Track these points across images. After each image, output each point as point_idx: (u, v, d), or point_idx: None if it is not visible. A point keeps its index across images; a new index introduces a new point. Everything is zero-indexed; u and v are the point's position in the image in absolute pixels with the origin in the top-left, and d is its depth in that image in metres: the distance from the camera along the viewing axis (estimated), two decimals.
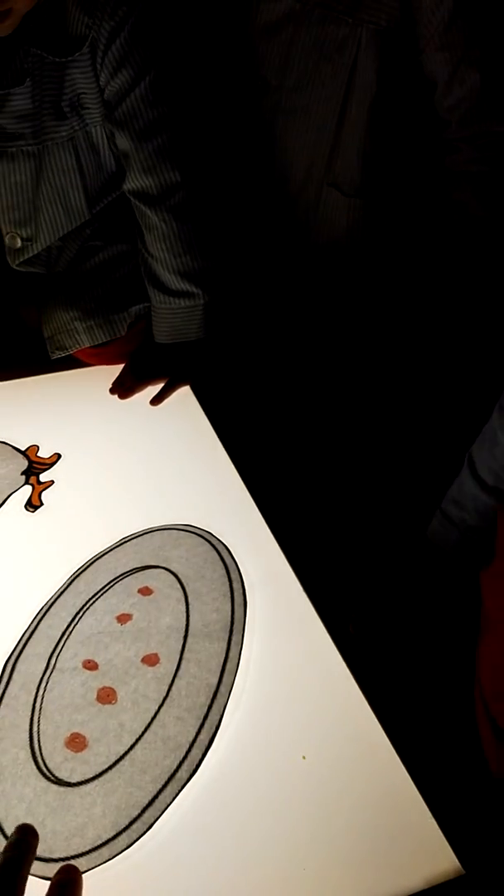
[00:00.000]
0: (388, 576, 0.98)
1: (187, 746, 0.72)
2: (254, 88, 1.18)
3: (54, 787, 0.69)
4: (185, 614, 0.82)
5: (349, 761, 0.70)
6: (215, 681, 0.77)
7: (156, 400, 1.17)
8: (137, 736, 0.73)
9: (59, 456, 1.06)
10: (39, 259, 1.16)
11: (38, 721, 0.74)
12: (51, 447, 1.07)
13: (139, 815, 0.67)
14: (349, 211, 1.23)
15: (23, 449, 1.07)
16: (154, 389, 1.18)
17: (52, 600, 0.85)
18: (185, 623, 0.82)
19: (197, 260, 1.12)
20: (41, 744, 0.72)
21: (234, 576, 0.87)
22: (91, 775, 0.70)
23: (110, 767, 0.70)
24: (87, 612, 0.83)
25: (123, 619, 0.82)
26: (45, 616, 0.83)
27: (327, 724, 0.73)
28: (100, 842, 0.66)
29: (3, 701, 0.76)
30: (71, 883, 0.52)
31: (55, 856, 0.65)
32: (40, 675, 0.78)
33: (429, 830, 0.66)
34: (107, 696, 0.75)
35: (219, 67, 1.22)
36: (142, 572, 0.88)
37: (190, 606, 0.83)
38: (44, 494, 1.00)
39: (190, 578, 0.86)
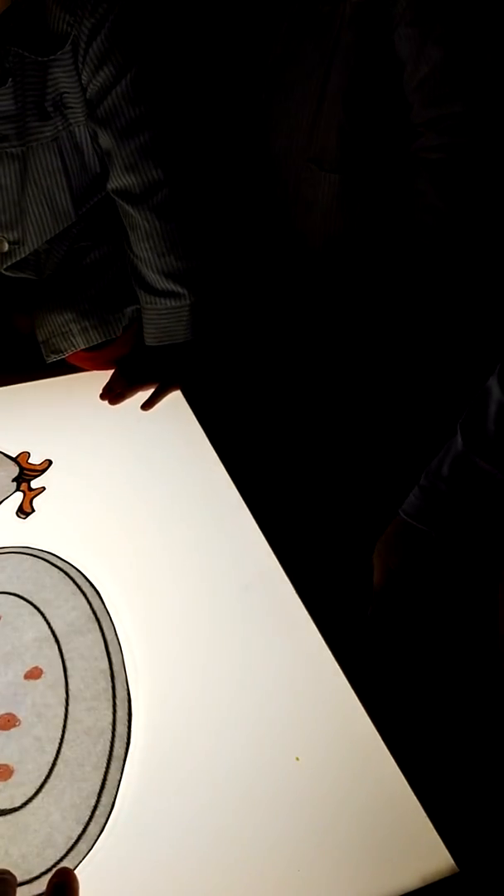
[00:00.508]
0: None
1: (111, 728, 0.75)
2: (240, 70, 1.17)
3: (2, 818, 0.68)
4: (45, 623, 0.84)
5: (343, 762, 0.71)
6: (106, 665, 0.80)
7: (147, 405, 1.14)
8: (58, 741, 0.74)
9: (50, 462, 1.03)
10: (28, 263, 1.09)
11: None
12: (42, 454, 1.05)
13: (98, 801, 0.69)
14: (328, 186, 1.20)
15: (13, 455, 1.06)
16: (145, 394, 1.15)
17: None
18: (49, 631, 0.83)
19: (181, 260, 1.10)
20: None
21: (72, 573, 0.90)
22: (32, 792, 0.70)
23: (48, 777, 0.71)
24: None
25: None
26: None
27: (320, 724, 0.74)
28: (72, 841, 0.67)
29: None
30: (65, 886, 0.53)
31: (36, 873, 0.65)
32: None
33: (423, 829, 0.66)
34: (7, 722, 0.75)
35: (204, 54, 1.20)
36: None
37: (45, 615, 0.85)
38: (35, 501, 0.97)
39: (31, 592, 0.87)
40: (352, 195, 1.22)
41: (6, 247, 1.11)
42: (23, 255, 1.12)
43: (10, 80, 0.96)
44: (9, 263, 1.12)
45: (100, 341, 1.19)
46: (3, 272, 1.13)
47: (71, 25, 0.95)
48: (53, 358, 1.20)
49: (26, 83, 0.98)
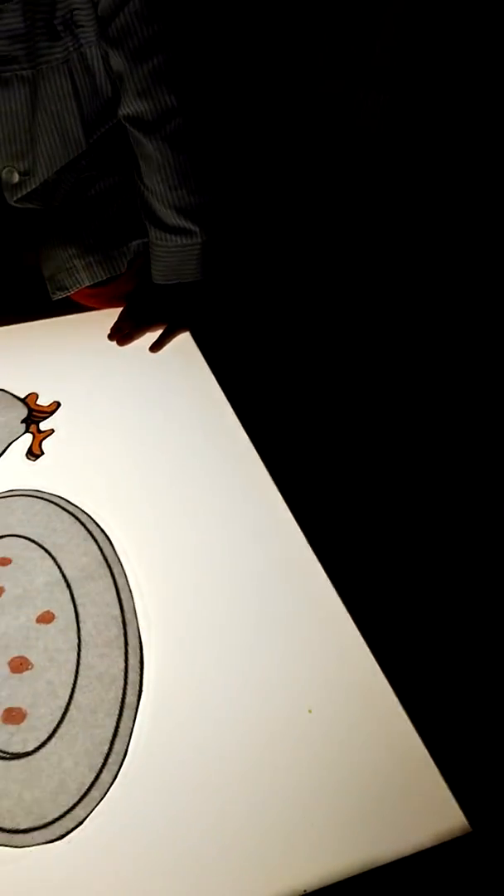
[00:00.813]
0: (390, 524, 0.98)
1: (123, 675, 0.74)
2: None
3: (14, 762, 0.68)
4: (56, 567, 0.83)
5: (355, 716, 0.71)
6: (118, 612, 0.79)
7: (155, 346, 1.12)
8: (71, 686, 0.73)
9: (58, 404, 1.01)
10: (36, 193, 1.05)
11: None
12: (50, 395, 1.03)
13: (110, 749, 0.69)
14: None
15: (22, 397, 1.03)
16: (153, 336, 1.12)
17: None
18: (60, 575, 0.82)
19: (194, 194, 1.05)
20: None
21: (83, 518, 0.88)
22: (45, 737, 0.70)
23: (60, 722, 0.71)
24: None
25: None
26: None
27: (332, 676, 0.74)
28: (85, 787, 0.67)
29: None
30: None
31: (49, 819, 0.65)
32: None
33: (436, 787, 0.65)
34: (20, 665, 0.75)
35: None
36: None
37: (57, 559, 0.84)
38: (44, 444, 0.96)
39: (42, 535, 0.86)
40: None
41: (16, 178, 1.07)
42: (33, 187, 1.08)
43: None
44: (19, 195, 1.08)
45: (104, 277, 1.16)
46: (13, 203, 1.09)
47: None
48: (59, 295, 1.16)
49: (37, 1, 0.92)
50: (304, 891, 0.59)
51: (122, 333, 1.14)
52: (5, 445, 0.97)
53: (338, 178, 1.33)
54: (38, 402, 1.03)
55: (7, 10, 0.92)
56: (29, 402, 1.03)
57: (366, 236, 1.32)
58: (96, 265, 1.15)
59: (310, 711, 0.72)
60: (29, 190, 1.08)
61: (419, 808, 0.65)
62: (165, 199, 1.07)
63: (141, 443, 0.99)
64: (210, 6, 1.23)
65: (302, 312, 1.34)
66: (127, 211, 1.15)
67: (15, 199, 1.09)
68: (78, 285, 1.15)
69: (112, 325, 1.16)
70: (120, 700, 0.71)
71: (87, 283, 1.15)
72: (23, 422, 1.00)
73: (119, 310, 1.19)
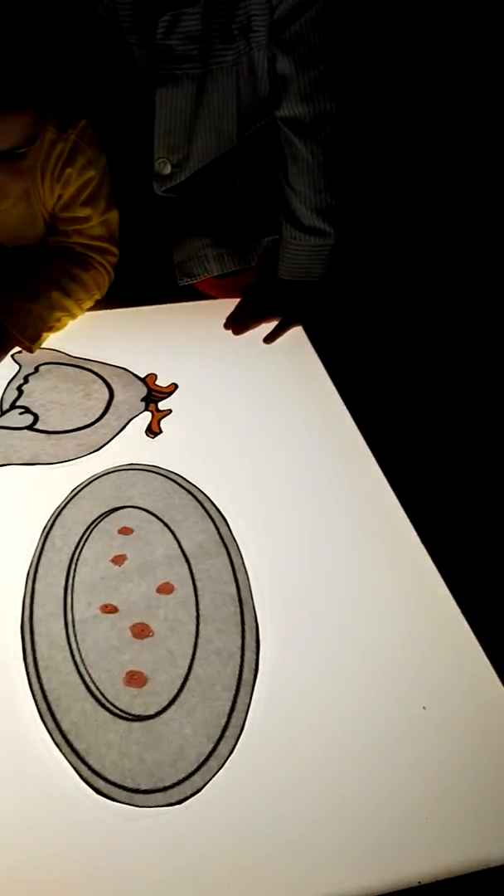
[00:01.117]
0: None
1: (239, 652, 0.76)
2: None
3: (136, 723, 0.70)
4: (174, 541, 0.85)
5: (470, 714, 0.72)
6: (234, 590, 0.81)
7: (269, 338, 1.14)
8: (190, 657, 0.75)
9: (176, 386, 1.05)
10: (181, 185, 1.09)
11: (87, 672, 0.73)
12: (168, 377, 1.07)
13: (228, 722, 0.71)
14: None
15: (142, 376, 1.07)
16: (268, 327, 1.15)
17: (35, 562, 0.83)
18: (179, 549, 0.84)
19: (336, 197, 1.08)
20: (102, 691, 0.72)
21: (200, 497, 0.90)
22: (166, 703, 0.72)
23: (180, 690, 0.73)
24: (79, 563, 0.83)
25: (118, 560, 0.83)
26: (37, 578, 0.81)
27: (447, 674, 0.75)
28: (203, 756, 0.68)
29: (40, 663, 0.74)
30: None
31: (168, 783, 0.67)
32: (64, 631, 0.77)
33: None
34: (141, 631, 0.77)
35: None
36: (112, 515, 0.88)
37: (175, 533, 0.86)
38: (162, 423, 0.99)
39: (161, 510, 0.88)
40: None
41: (168, 169, 1.10)
42: (182, 179, 1.11)
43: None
44: (168, 186, 1.12)
45: (233, 269, 1.19)
46: (160, 194, 1.12)
47: None
48: (186, 281, 1.20)
49: (217, 4, 0.97)
50: (419, 882, 0.60)
51: (237, 323, 1.17)
52: (126, 421, 1.00)
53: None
54: (156, 383, 1.06)
55: (189, 13, 0.96)
56: (148, 382, 1.06)
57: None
58: (227, 257, 1.18)
59: (424, 708, 0.72)
60: (178, 182, 1.12)
61: None
62: (308, 201, 1.10)
63: (253, 429, 1.01)
64: (378, 18, 1.24)
65: (418, 313, 1.37)
66: (265, 207, 1.17)
67: (163, 189, 1.12)
68: (206, 274, 1.19)
69: (228, 314, 1.18)
70: (237, 676, 0.73)
71: (216, 273, 1.19)
72: (142, 400, 1.03)
73: (236, 300, 1.21)
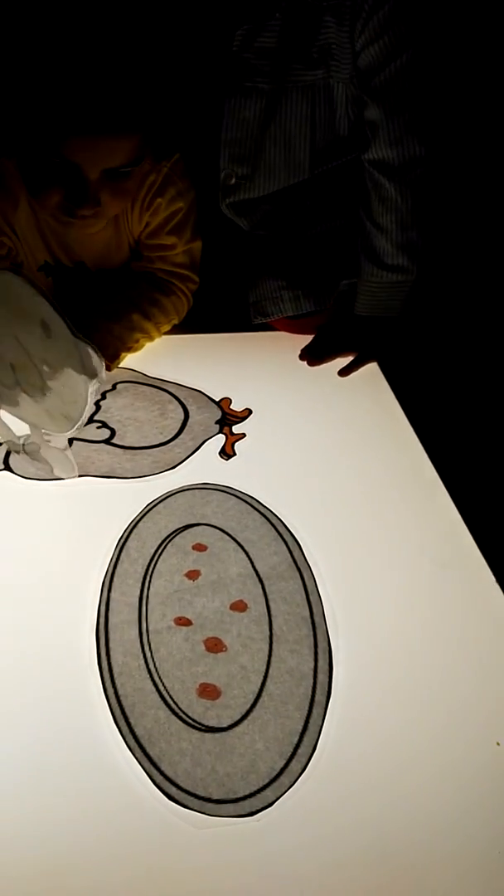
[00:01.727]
0: None
1: (312, 674, 0.76)
2: None
3: (209, 735, 0.70)
4: (248, 561, 0.86)
5: None
6: (307, 613, 0.81)
7: (344, 371, 1.16)
8: (263, 674, 0.76)
9: (250, 411, 1.06)
10: (247, 211, 1.12)
11: (161, 681, 0.74)
12: (242, 402, 1.10)
13: (300, 741, 0.71)
14: None
15: (217, 400, 1.09)
16: (342, 361, 1.18)
17: (111, 572, 0.84)
18: (252, 569, 0.85)
19: (420, 236, 1.10)
20: (175, 700, 0.72)
21: (273, 520, 0.91)
22: (239, 716, 0.72)
23: (253, 706, 0.73)
24: (154, 575, 0.83)
25: (193, 575, 0.84)
26: (112, 587, 0.82)
27: None
28: (275, 772, 0.68)
29: (115, 669, 0.75)
30: None
31: (240, 795, 0.67)
32: (138, 640, 0.77)
33: None
34: (215, 645, 0.77)
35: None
36: (186, 531, 0.89)
37: (249, 553, 0.87)
38: (236, 446, 1.01)
39: (235, 529, 0.89)
40: None
41: (233, 180, 1.12)
42: (245, 196, 1.13)
43: (278, 14, 0.97)
44: (231, 199, 1.14)
45: (309, 310, 1.22)
46: (225, 206, 1.15)
47: None
48: (260, 320, 1.23)
49: (295, 23, 0.98)
50: None
51: (313, 355, 1.18)
52: (200, 441, 1.01)
53: None
54: (231, 407, 1.07)
55: (266, 27, 0.99)
56: (223, 406, 1.07)
57: None
58: (304, 298, 1.21)
59: (498, 744, 0.71)
60: (241, 198, 1.14)
61: None
62: (394, 238, 1.11)
63: (325, 456, 1.03)
64: (466, 62, 1.28)
65: (488, 345, 1.37)
66: (344, 252, 1.19)
67: (227, 201, 1.14)
68: (280, 314, 1.23)
69: (303, 345, 1.21)
70: (310, 697, 0.73)
71: (290, 314, 1.22)
72: (217, 422, 1.04)
73: (310, 336, 1.23)
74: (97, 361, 0.75)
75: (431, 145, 1.06)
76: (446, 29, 1.22)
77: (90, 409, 0.83)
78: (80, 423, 0.80)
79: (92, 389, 0.76)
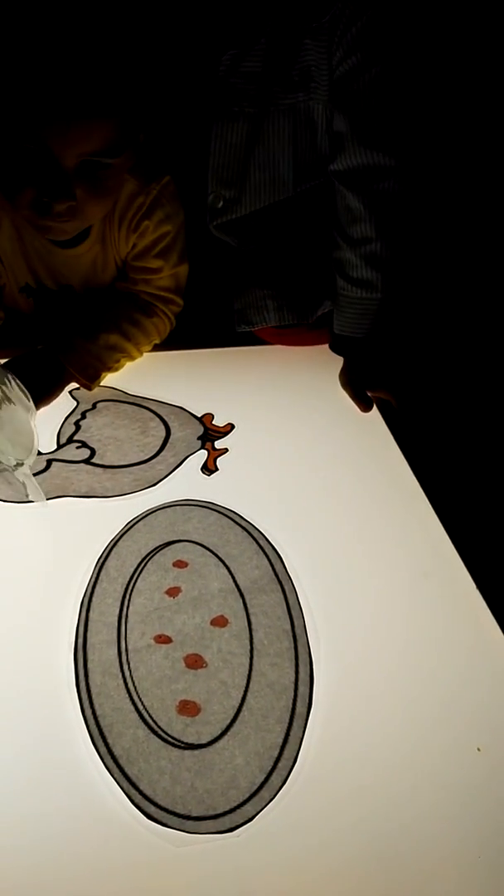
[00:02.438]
0: None
1: (293, 686, 0.76)
2: None
3: (188, 752, 0.70)
4: (229, 576, 0.86)
5: None
6: (288, 626, 0.81)
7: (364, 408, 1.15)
8: (243, 689, 0.75)
9: (232, 426, 1.06)
10: (236, 227, 1.13)
11: (140, 700, 0.73)
12: (225, 418, 1.10)
13: (280, 754, 0.70)
14: None
15: (199, 415, 1.10)
16: (323, 372, 1.20)
17: (90, 591, 0.83)
18: (233, 584, 0.85)
19: (385, 250, 1.10)
20: (154, 718, 0.72)
21: (255, 534, 0.91)
22: (219, 732, 0.71)
23: (233, 721, 0.72)
24: (133, 593, 0.83)
25: (173, 592, 0.83)
26: (91, 607, 0.82)
27: (502, 715, 0.73)
28: (255, 787, 0.68)
29: (93, 689, 0.74)
30: None
31: (220, 811, 0.66)
32: (117, 659, 0.77)
33: None
34: (195, 661, 0.77)
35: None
36: (167, 548, 0.89)
37: (230, 568, 0.87)
38: (218, 461, 1.01)
39: (216, 545, 0.89)
40: None
41: (220, 203, 1.12)
42: (234, 216, 1.14)
43: (264, 40, 0.98)
44: (219, 220, 1.14)
45: (291, 322, 1.22)
46: (212, 228, 1.15)
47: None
48: (244, 328, 1.23)
49: (279, 47, 0.99)
50: None
51: (363, 402, 1.17)
52: (182, 458, 1.02)
53: None
54: (213, 423, 1.07)
55: (252, 52, 1.00)
56: (205, 421, 1.07)
57: None
58: (287, 309, 1.22)
59: (479, 750, 0.70)
60: (229, 218, 1.14)
61: None
62: (358, 250, 1.11)
63: (308, 469, 1.02)
64: (437, 78, 1.29)
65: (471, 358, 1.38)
66: (327, 267, 1.19)
67: (215, 223, 1.15)
68: (264, 323, 1.23)
69: (283, 358, 1.24)
70: (290, 710, 0.73)
71: (273, 324, 1.22)
72: (199, 438, 1.05)
73: (292, 347, 1.26)
74: (23, 393, 0.75)
75: (403, 158, 1.06)
76: (420, 45, 1.23)
77: (37, 438, 0.83)
78: (33, 452, 0.80)
79: (33, 420, 0.76)
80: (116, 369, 1.15)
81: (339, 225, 1.13)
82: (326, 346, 1.24)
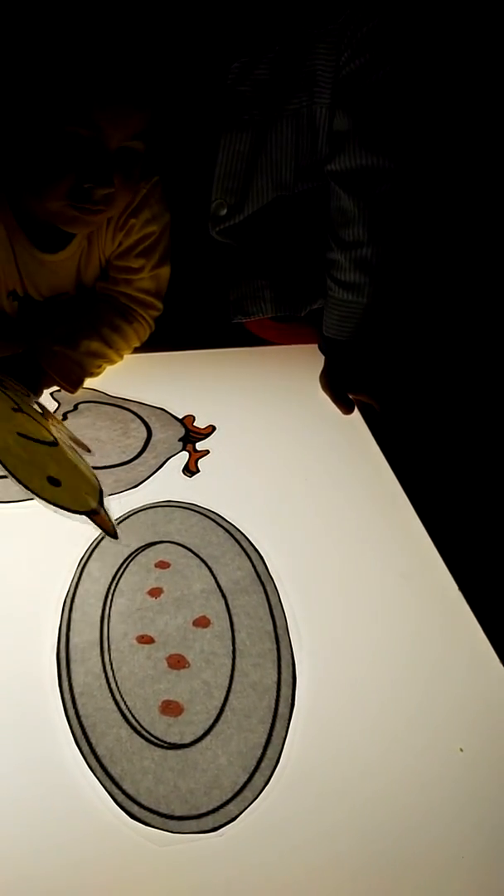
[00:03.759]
0: None
1: (275, 687, 0.76)
2: None
3: (171, 751, 0.70)
4: (211, 577, 0.86)
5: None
6: (270, 627, 0.82)
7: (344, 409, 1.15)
8: (226, 689, 0.75)
9: (213, 428, 1.07)
10: (237, 231, 1.12)
11: (123, 700, 0.73)
12: (206, 419, 1.11)
13: (263, 754, 0.71)
14: None
15: (180, 417, 1.10)
16: (303, 377, 1.21)
17: (72, 592, 0.83)
18: (215, 584, 0.85)
19: (375, 256, 1.10)
20: (137, 718, 0.72)
21: (237, 535, 0.91)
22: (201, 732, 0.72)
23: (216, 721, 0.73)
24: (115, 594, 0.83)
25: (155, 593, 0.84)
26: (73, 608, 0.82)
27: (484, 716, 0.74)
28: (238, 786, 0.68)
29: (76, 689, 0.74)
30: None
31: (203, 811, 0.66)
32: (100, 659, 0.77)
33: None
34: (177, 662, 0.77)
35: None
36: (149, 549, 0.89)
37: (212, 569, 0.87)
38: (199, 462, 1.02)
39: (198, 546, 0.89)
40: None
41: (224, 210, 1.13)
42: (236, 221, 1.14)
43: (277, 47, 0.98)
44: (221, 226, 1.15)
45: (286, 313, 1.22)
46: (214, 234, 1.15)
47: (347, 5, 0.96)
48: (239, 319, 1.24)
49: (289, 54, 0.99)
50: None
51: (347, 406, 1.18)
52: (164, 459, 1.02)
53: None
54: (194, 424, 1.08)
55: (262, 61, 1.00)
56: (186, 423, 1.08)
57: None
58: (283, 301, 1.22)
59: (461, 750, 0.71)
60: (232, 223, 1.14)
61: None
62: (348, 253, 1.11)
63: (288, 470, 1.03)
64: (445, 83, 1.30)
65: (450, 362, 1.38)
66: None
67: (217, 229, 1.15)
68: (260, 314, 1.24)
69: (266, 361, 1.24)
70: (273, 710, 0.73)
71: (269, 315, 1.23)
72: (180, 440, 1.05)
73: (273, 347, 1.27)
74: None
75: (402, 162, 1.06)
76: (429, 49, 1.23)
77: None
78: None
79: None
80: (97, 374, 1.15)
81: (332, 226, 1.13)
82: (307, 346, 1.25)
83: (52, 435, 0.91)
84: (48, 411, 1.01)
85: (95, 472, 0.98)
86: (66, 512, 0.84)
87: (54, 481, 0.83)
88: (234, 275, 1.23)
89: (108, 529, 0.88)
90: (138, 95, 0.87)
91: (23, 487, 0.79)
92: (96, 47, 0.82)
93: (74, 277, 1.15)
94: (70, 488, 0.85)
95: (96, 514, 0.88)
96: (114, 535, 0.88)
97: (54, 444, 0.91)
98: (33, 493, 0.79)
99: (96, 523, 0.87)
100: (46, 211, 0.96)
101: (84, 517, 0.84)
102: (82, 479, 0.89)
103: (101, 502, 0.91)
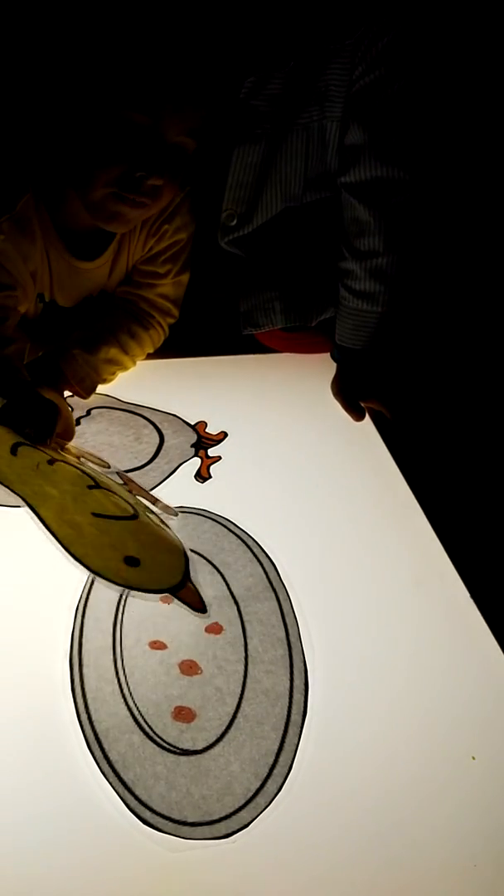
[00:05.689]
0: None
1: (287, 694, 0.76)
2: None
3: (184, 758, 0.70)
4: (223, 584, 0.86)
5: None
6: (283, 634, 0.82)
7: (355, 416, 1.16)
8: (238, 696, 0.75)
9: (225, 434, 1.07)
10: (246, 241, 1.13)
11: (136, 705, 0.74)
12: (218, 426, 1.11)
13: (276, 761, 0.71)
14: None
15: (192, 423, 1.11)
16: (312, 380, 1.21)
17: (85, 597, 0.84)
18: (228, 591, 0.85)
19: (393, 266, 1.10)
20: (150, 724, 0.72)
21: (249, 542, 0.92)
22: (214, 739, 0.72)
23: (228, 727, 0.73)
24: (128, 600, 0.84)
25: (167, 599, 0.84)
26: (86, 613, 0.82)
27: (497, 725, 0.74)
28: (251, 793, 0.68)
29: (88, 695, 0.74)
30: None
31: (215, 817, 0.66)
32: (112, 665, 0.77)
33: None
34: (189, 668, 0.77)
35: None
36: None
37: (224, 576, 0.87)
38: (211, 468, 1.02)
39: (210, 553, 0.90)
40: None
41: (234, 221, 1.13)
42: (245, 232, 1.15)
43: (293, 63, 0.98)
44: (230, 237, 1.15)
45: (296, 323, 1.23)
46: (223, 244, 1.15)
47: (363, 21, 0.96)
48: (249, 331, 1.24)
49: (304, 69, 1.00)
50: None
51: (357, 412, 1.18)
52: (176, 465, 1.02)
53: None
54: (206, 430, 1.08)
55: (276, 76, 1.00)
56: (198, 429, 1.08)
57: None
58: (293, 311, 1.22)
59: (473, 759, 0.70)
60: (240, 234, 1.15)
61: None
62: (364, 263, 1.12)
63: (301, 477, 1.04)
64: (460, 97, 1.30)
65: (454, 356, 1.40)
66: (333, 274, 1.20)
67: (226, 240, 1.16)
68: (270, 325, 1.24)
69: (274, 368, 1.25)
70: (285, 717, 0.73)
71: (279, 326, 1.23)
72: (192, 446, 1.05)
73: (283, 354, 1.28)
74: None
75: (417, 173, 1.06)
76: (444, 63, 1.23)
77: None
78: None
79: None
80: (111, 380, 1.16)
81: (346, 237, 1.14)
82: (320, 355, 1.24)
83: (132, 508, 0.88)
84: (127, 478, 1.01)
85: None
86: (143, 593, 0.81)
87: (133, 561, 0.79)
88: (244, 287, 1.24)
89: (194, 604, 0.81)
90: (199, 92, 0.88)
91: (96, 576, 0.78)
92: (169, 37, 0.84)
93: (102, 284, 1.15)
94: (150, 566, 0.80)
95: (181, 589, 0.81)
96: (201, 610, 0.82)
97: (134, 517, 0.85)
98: (108, 580, 0.77)
99: (179, 599, 0.81)
100: (90, 203, 0.95)
101: (166, 594, 0.83)
102: (166, 550, 0.86)
103: (186, 573, 0.84)
